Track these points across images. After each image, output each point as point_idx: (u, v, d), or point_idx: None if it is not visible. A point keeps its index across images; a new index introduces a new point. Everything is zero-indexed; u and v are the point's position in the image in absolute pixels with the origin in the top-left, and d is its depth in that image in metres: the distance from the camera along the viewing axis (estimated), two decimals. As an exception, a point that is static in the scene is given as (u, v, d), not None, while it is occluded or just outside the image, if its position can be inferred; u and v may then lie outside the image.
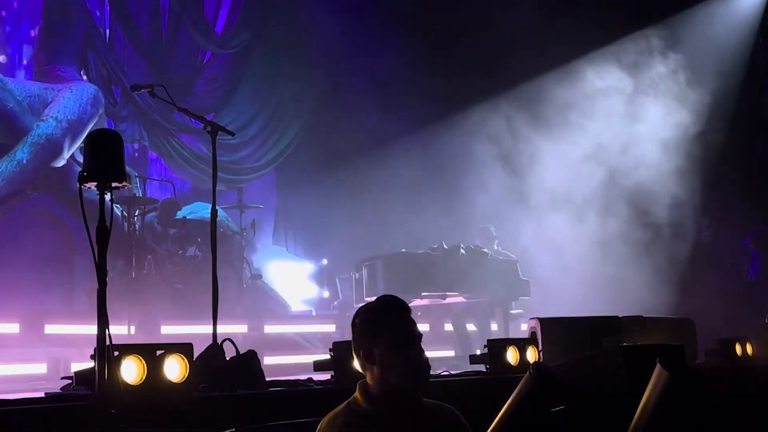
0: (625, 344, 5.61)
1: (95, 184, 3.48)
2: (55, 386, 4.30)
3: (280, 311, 11.32)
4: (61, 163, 10.05)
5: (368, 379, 2.90)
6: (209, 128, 5.35)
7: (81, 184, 3.44)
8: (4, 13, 11.09)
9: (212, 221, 5.38)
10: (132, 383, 3.69)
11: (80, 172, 3.43)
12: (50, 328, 7.84)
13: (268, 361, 7.96)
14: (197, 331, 7.12)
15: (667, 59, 12.13)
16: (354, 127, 12.96)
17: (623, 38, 12.38)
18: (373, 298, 8.81)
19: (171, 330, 8.33)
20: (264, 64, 13.41)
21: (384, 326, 2.86)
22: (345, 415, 2.83)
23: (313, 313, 12.07)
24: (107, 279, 3.54)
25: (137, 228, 9.10)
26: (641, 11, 12.47)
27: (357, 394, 2.89)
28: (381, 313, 2.92)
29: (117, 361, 3.63)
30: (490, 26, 12.54)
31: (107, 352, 3.52)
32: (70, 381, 4.04)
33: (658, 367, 3.09)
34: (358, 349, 2.90)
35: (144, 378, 3.73)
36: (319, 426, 2.84)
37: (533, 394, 3.09)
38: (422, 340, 2.91)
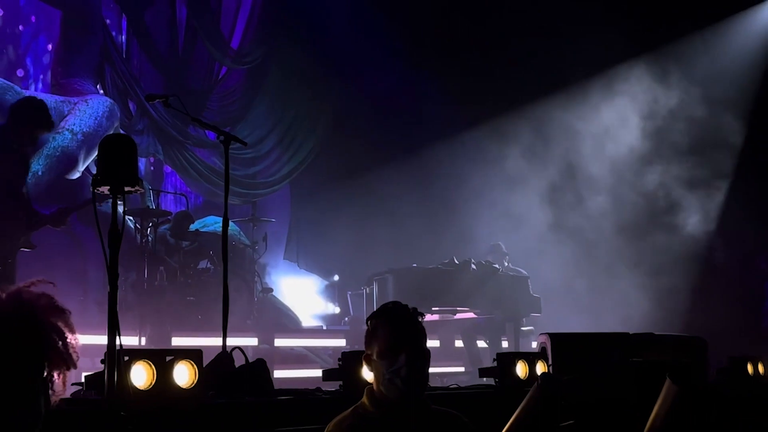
0: (634, 359, 5.58)
1: (108, 188, 3.52)
2: (66, 394, 4.31)
3: (290, 325, 11.33)
4: (76, 175, 10.12)
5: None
6: (222, 138, 5.38)
7: (94, 188, 3.48)
8: (21, 28, 11.22)
9: (224, 231, 5.40)
10: (141, 388, 3.70)
11: (93, 175, 3.47)
12: (62, 338, 7.85)
13: (277, 374, 7.97)
14: (208, 343, 7.14)
15: (679, 81, 12.13)
16: (368, 143, 13.03)
17: (629, 60, 12.39)
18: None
19: (182, 341, 8.35)
20: (279, 80, 13.51)
21: (376, 333, 2.87)
22: (351, 418, 2.84)
23: (324, 328, 12.07)
24: (120, 290, 3.57)
25: (150, 240, 9.14)
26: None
27: (364, 398, 2.91)
28: (377, 318, 2.92)
29: (127, 366, 3.65)
30: (503, 46, 12.61)
31: (117, 357, 3.55)
32: (80, 387, 4.07)
33: (667, 382, 3.08)
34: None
35: (153, 383, 3.74)
36: (325, 429, 2.85)
37: (541, 405, 3.09)
38: (426, 354, 2.86)
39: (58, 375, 1.88)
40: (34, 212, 5.99)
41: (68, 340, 1.89)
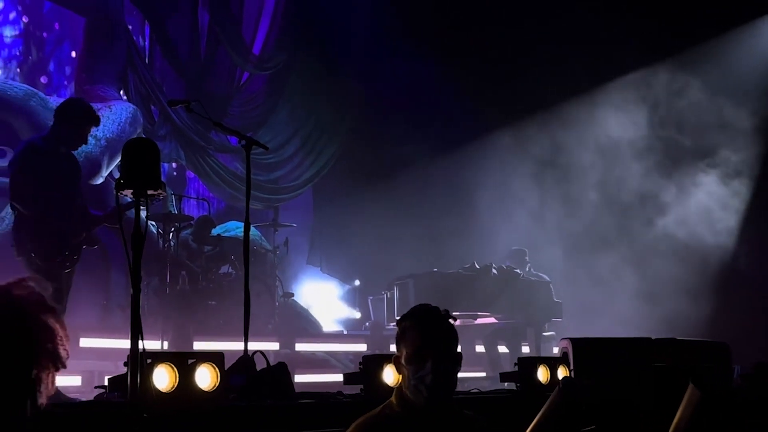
0: (656, 364, 5.55)
1: (131, 191, 3.56)
2: (90, 398, 4.36)
3: (311, 330, 11.36)
4: (99, 180, 10.19)
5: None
6: (244, 142, 5.41)
7: (117, 192, 3.52)
8: (45, 35, 11.33)
9: (245, 236, 5.44)
10: (164, 390, 3.73)
11: (117, 179, 3.51)
12: (85, 342, 7.92)
13: (299, 378, 7.99)
14: (229, 347, 7.13)
15: (698, 85, 12.06)
16: (389, 148, 13.05)
17: (652, 67, 12.35)
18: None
19: (203, 346, 8.38)
20: (301, 85, 13.56)
21: (405, 336, 2.84)
22: (376, 417, 2.83)
23: (345, 333, 12.08)
24: (142, 295, 3.60)
25: (172, 245, 9.19)
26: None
27: (393, 397, 2.89)
28: (406, 321, 2.88)
29: (149, 369, 3.68)
30: (526, 50, 12.59)
31: (140, 360, 3.58)
32: (103, 390, 4.11)
33: (690, 387, 3.06)
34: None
35: (175, 386, 3.77)
36: (350, 427, 2.83)
37: (562, 409, 3.08)
38: (456, 357, 2.83)
39: (47, 375, 1.81)
40: (87, 213, 6.08)
41: (58, 340, 1.83)
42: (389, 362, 4.67)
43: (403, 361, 2.82)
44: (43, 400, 1.81)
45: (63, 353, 1.84)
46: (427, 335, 2.78)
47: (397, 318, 2.99)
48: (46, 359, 1.80)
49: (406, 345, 2.81)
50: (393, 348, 9.88)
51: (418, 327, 2.81)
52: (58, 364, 1.83)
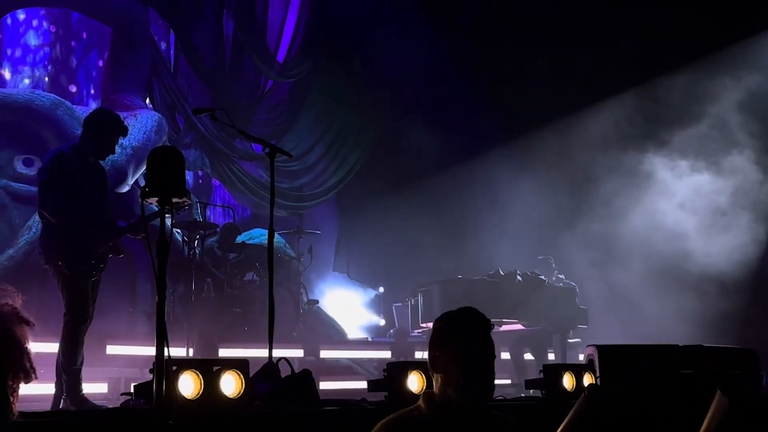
0: (683, 371, 5.50)
1: (156, 199, 3.59)
2: (116, 405, 4.39)
3: (336, 337, 11.36)
4: (125, 188, 10.27)
5: (434, 384, 2.88)
6: (268, 150, 5.44)
7: (143, 200, 3.54)
8: (73, 44, 11.46)
9: (269, 243, 5.46)
10: (189, 397, 3.75)
11: (142, 187, 3.54)
12: (111, 349, 7.98)
13: (323, 385, 7.99)
14: (254, 354, 7.19)
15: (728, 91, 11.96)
16: (414, 154, 13.05)
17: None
18: (429, 325, 8.70)
19: (228, 353, 8.41)
20: (325, 92, 13.60)
21: (455, 337, 2.82)
22: (404, 416, 2.82)
23: (369, 340, 12.08)
24: (168, 302, 3.62)
25: (197, 253, 9.24)
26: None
27: (420, 401, 2.88)
28: (457, 323, 2.86)
29: (175, 376, 3.70)
30: (548, 58, 12.57)
31: (166, 367, 3.60)
32: (129, 397, 4.13)
33: (718, 394, 3.03)
34: (429, 352, 2.88)
35: (201, 392, 3.79)
36: (377, 425, 2.82)
37: (588, 417, 3.06)
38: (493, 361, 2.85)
39: (17, 386, 1.81)
40: (114, 222, 6.13)
41: (26, 352, 1.82)
42: (413, 369, 4.66)
43: (448, 362, 2.80)
44: (15, 412, 1.81)
45: (27, 365, 1.83)
46: (479, 341, 2.82)
47: (436, 319, 2.96)
48: (14, 370, 1.79)
49: (455, 347, 2.80)
50: (418, 355, 9.89)
51: (471, 330, 2.83)
52: (25, 376, 1.83)
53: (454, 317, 2.89)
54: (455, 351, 2.80)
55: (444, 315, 2.93)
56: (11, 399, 1.79)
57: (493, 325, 2.92)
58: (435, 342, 2.87)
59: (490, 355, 2.84)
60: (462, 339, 2.81)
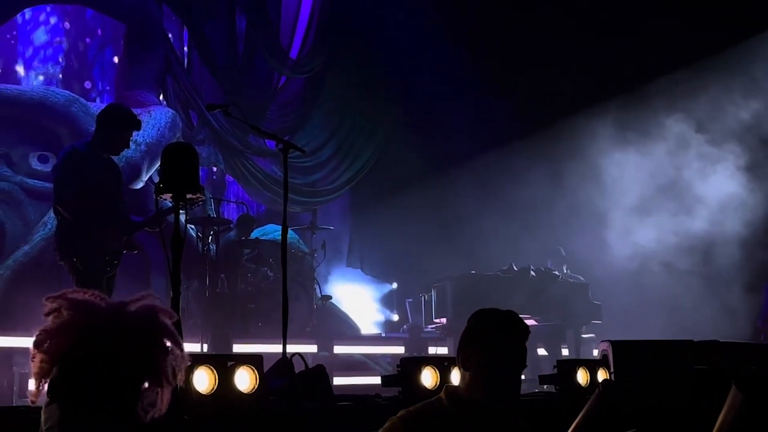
0: (698, 367, 5.47)
1: (171, 195, 3.60)
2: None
3: (349, 333, 11.37)
4: (139, 185, 10.31)
5: (460, 380, 2.88)
6: (281, 146, 5.45)
7: (157, 196, 3.56)
8: (88, 40, 11.51)
9: (283, 239, 5.47)
10: (203, 392, 3.76)
11: (156, 183, 3.55)
12: (126, 344, 8.00)
13: (337, 381, 8.00)
14: (268, 349, 7.20)
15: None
16: (426, 149, 13.04)
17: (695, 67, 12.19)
18: (443, 320, 8.68)
19: (242, 348, 8.44)
20: (338, 88, 13.60)
21: (492, 338, 2.81)
22: (423, 407, 2.81)
23: (383, 335, 12.09)
24: (182, 298, 3.63)
25: (211, 248, 9.27)
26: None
27: (442, 394, 2.87)
28: (496, 323, 2.85)
29: (189, 371, 3.71)
30: (562, 56, 12.52)
31: (180, 362, 3.61)
32: (143, 391, 4.15)
33: (733, 390, 3.02)
34: (459, 348, 2.87)
35: (215, 388, 3.79)
36: (399, 413, 2.81)
37: (602, 412, 3.06)
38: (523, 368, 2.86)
39: (155, 391, 1.84)
40: (128, 218, 6.16)
41: (168, 358, 1.84)
42: (427, 365, 4.65)
43: (483, 362, 2.79)
44: (151, 413, 1.84)
45: (169, 371, 1.85)
46: (518, 344, 2.83)
47: (473, 314, 2.94)
48: (154, 376, 1.82)
49: (490, 347, 2.79)
50: (431, 350, 9.90)
51: (509, 333, 2.83)
52: (164, 381, 1.85)
53: (495, 317, 2.87)
54: (491, 352, 2.79)
55: (482, 312, 2.90)
56: (142, 402, 1.82)
57: (529, 331, 2.91)
58: (468, 339, 2.85)
59: (523, 361, 2.84)
60: (500, 341, 2.80)
